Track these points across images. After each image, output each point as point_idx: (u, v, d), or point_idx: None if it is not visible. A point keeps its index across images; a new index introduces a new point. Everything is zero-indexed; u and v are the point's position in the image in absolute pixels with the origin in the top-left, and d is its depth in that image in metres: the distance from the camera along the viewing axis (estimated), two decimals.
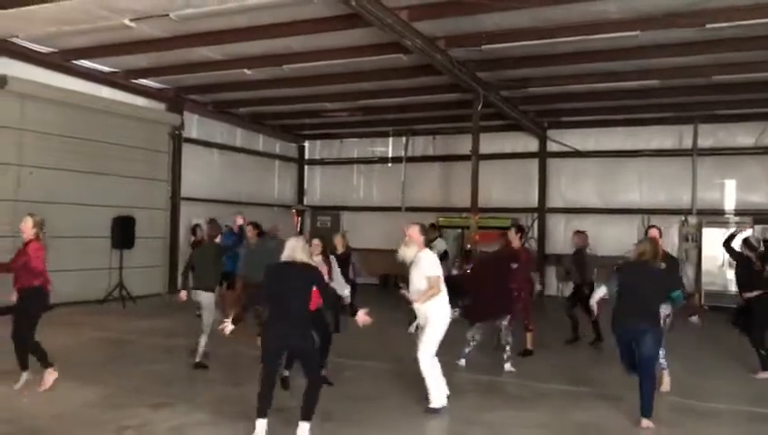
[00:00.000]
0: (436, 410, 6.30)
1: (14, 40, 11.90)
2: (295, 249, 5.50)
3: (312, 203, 20.95)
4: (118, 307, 13.23)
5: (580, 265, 10.39)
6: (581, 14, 9.61)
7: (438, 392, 6.35)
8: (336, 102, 16.08)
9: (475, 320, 8.33)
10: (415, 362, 6.41)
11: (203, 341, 7.87)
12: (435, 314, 6.41)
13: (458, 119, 16.58)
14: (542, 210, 17.47)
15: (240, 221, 8.94)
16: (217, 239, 8.50)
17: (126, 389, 6.95)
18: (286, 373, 6.91)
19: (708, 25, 9.52)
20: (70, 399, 6.52)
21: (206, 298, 7.92)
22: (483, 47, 11.11)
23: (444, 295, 6.50)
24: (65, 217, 12.92)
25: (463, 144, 16.89)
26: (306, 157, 21.26)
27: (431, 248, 6.97)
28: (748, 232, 7.68)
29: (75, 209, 13.23)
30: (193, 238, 13.18)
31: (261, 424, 5.27)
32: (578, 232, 10.93)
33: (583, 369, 8.55)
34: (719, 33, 10.01)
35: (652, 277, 6.22)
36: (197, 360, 7.90)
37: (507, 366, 8.27)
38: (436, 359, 6.40)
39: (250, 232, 9.54)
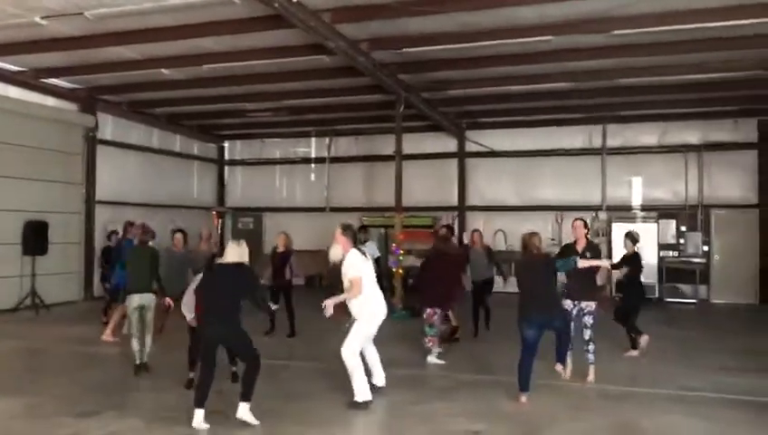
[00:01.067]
0: (359, 404, 6.44)
1: None
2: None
3: (233, 204, 20.67)
4: (31, 315, 12.68)
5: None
6: (499, 19, 9.98)
7: (362, 387, 6.47)
8: (257, 103, 15.95)
9: (426, 304, 8.71)
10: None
11: (149, 342, 7.94)
12: (358, 313, 6.61)
13: (381, 119, 16.80)
14: (461, 209, 17.94)
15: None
16: (150, 243, 8.31)
17: (51, 398, 6.74)
18: (234, 368, 7.14)
19: (616, 32, 10.12)
20: None
21: (148, 299, 7.94)
22: (404, 50, 11.39)
23: (369, 295, 6.63)
24: None
25: (385, 144, 17.22)
26: (226, 157, 20.94)
27: (360, 250, 7.07)
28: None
29: None
30: (107, 244, 12.85)
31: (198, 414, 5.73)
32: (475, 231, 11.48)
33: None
34: (625, 39, 10.64)
35: (541, 268, 6.91)
36: (144, 360, 7.89)
37: (431, 358, 8.62)
38: (359, 356, 6.58)
39: (177, 240, 9.33)
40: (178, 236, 9.31)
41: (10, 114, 13.19)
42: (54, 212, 13.97)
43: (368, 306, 6.62)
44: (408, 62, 12.18)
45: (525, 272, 7.10)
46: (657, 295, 15.60)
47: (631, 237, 9.50)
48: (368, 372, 6.78)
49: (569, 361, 7.50)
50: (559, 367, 7.16)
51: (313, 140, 19.83)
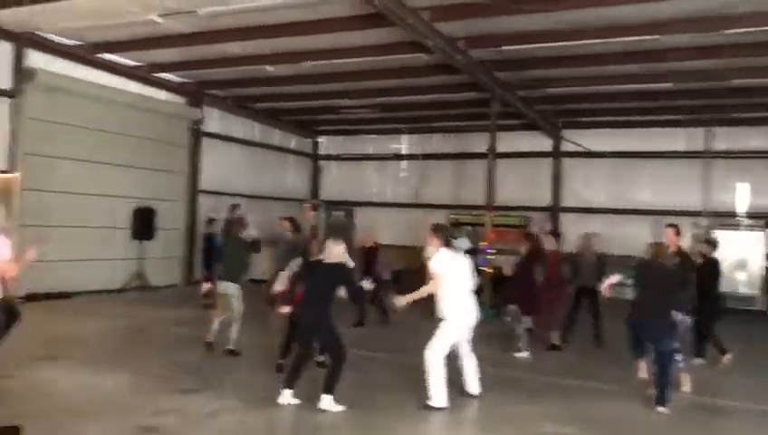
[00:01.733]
0: (433, 409, 6.32)
1: (43, 34, 12.17)
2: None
3: (326, 198, 21.17)
4: (136, 296, 13.49)
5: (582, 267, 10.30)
6: (602, 17, 9.76)
7: (438, 392, 6.33)
8: (353, 99, 16.27)
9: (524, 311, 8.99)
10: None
11: (235, 328, 8.25)
12: (445, 314, 6.55)
13: (473, 117, 16.74)
14: (555, 209, 17.63)
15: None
16: (246, 233, 8.68)
17: (154, 376, 7.18)
18: (321, 358, 7.23)
19: (727, 31, 9.69)
20: (100, 385, 6.74)
21: (234, 289, 8.27)
22: (502, 48, 11.33)
23: (456, 295, 6.57)
24: (87, 208, 13.26)
25: (476, 142, 17.15)
26: (321, 152, 21.48)
27: (452, 246, 7.14)
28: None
29: (97, 200, 13.51)
30: (209, 231, 13.40)
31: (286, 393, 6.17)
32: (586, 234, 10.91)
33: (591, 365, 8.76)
34: (737, 39, 10.16)
35: (662, 276, 6.78)
36: (230, 347, 8.24)
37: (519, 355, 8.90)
38: (443, 360, 6.42)
39: (283, 226, 9.33)
40: (285, 223, 9.28)
41: (125, 106, 14.05)
42: (161, 200, 14.80)
43: (455, 307, 6.54)
44: (506, 59, 12.08)
45: (647, 277, 6.93)
46: (762, 307, 14.80)
47: (710, 242, 9.31)
48: (452, 379, 6.60)
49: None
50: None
51: (405, 136, 20.01)
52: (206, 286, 8.88)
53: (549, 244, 10.17)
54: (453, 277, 6.63)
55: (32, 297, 11.33)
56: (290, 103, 17.35)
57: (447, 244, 6.96)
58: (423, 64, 12.60)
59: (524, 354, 8.99)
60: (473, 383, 6.91)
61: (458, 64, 11.57)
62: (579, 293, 10.23)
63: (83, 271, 13.16)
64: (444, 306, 6.57)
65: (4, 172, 11.80)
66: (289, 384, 6.20)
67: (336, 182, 21.29)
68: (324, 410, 6.01)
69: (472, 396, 6.85)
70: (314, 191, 21.30)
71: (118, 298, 13.28)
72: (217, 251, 10.10)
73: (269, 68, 13.46)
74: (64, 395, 6.32)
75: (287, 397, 6.17)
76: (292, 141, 20.38)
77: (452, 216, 17.35)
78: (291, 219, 9.35)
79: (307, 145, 21.14)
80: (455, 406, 6.43)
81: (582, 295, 10.16)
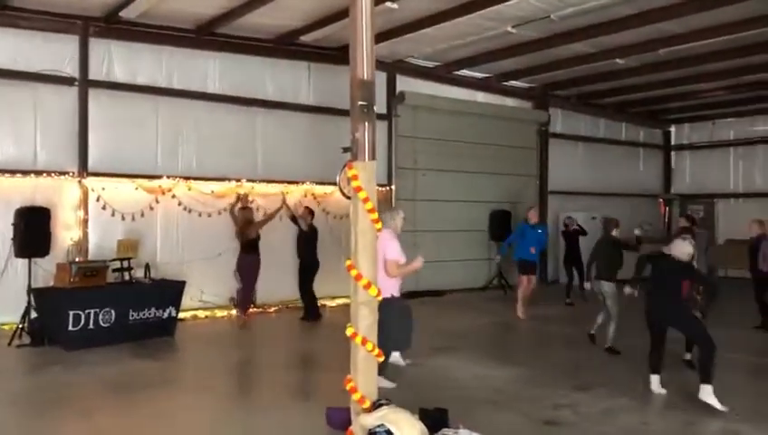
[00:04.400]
0: None
1: (408, 60, 13.65)
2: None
3: (680, 191, 19.69)
4: (498, 295, 14.19)
5: None
6: None
7: None
8: (711, 82, 14.88)
9: None
10: None
11: (612, 327, 8.31)
12: None
13: None
14: None
15: None
16: (613, 233, 8.71)
17: (547, 371, 7.52)
18: (687, 356, 7.45)
19: None
20: (494, 376, 7.28)
21: (608, 287, 8.34)
22: None
23: None
24: (450, 213, 14.44)
25: None
26: (672, 142, 20.06)
27: None
28: None
29: (459, 206, 14.63)
30: (563, 229, 13.63)
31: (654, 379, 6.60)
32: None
33: None
34: None
35: None
36: (609, 345, 8.34)
37: None
38: None
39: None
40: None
41: (478, 117, 14.98)
42: (515, 202, 15.40)
43: None
44: None
45: None
46: None
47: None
48: None
49: None
50: None
51: None
52: (588, 284, 8.99)
53: None
54: None
55: (412, 295, 12.75)
56: (638, 95, 16.55)
57: None
58: None
59: None
60: None
61: None
62: None
63: (450, 271, 14.37)
64: None
65: (383, 186, 13.50)
66: (653, 370, 6.62)
67: (691, 174, 19.66)
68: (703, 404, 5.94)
69: None
70: (667, 184, 19.97)
71: (482, 295, 14.18)
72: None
73: (620, 61, 13.07)
74: (464, 384, 6.97)
75: (656, 382, 6.58)
76: (641, 134, 19.39)
77: None
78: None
79: (657, 136, 19.90)
80: None
81: None
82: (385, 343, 6.33)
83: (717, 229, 17.81)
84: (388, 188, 13.58)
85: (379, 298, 4.98)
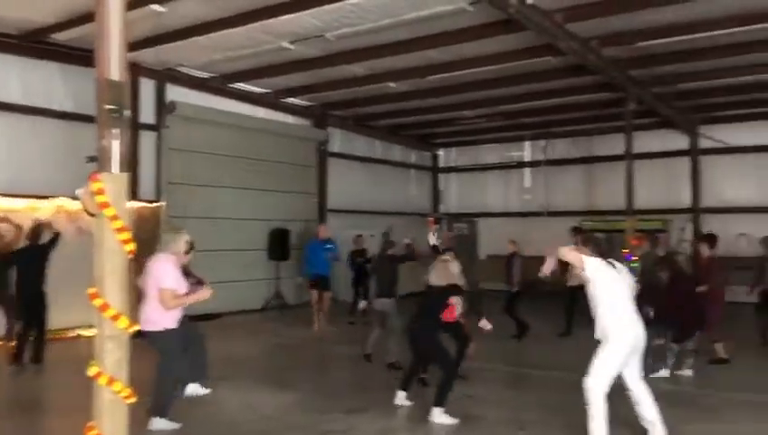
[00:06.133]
0: None
1: (180, 68, 12.86)
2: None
3: (447, 211, 21.00)
4: (276, 315, 13.84)
5: None
6: (746, 4, 9.08)
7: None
8: (473, 109, 16.07)
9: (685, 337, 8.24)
10: None
11: (393, 342, 8.38)
12: (603, 333, 5.34)
13: (600, 119, 16.10)
14: (696, 211, 16.53)
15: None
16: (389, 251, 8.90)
17: (318, 394, 7.31)
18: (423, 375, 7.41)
19: None
20: (267, 403, 6.90)
21: (388, 304, 8.46)
22: (637, 44, 10.78)
23: (627, 312, 5.42)
24: (227, 232, 13.79)
25: (604, 145, 16.50)
26: (441, 165, 21.38)
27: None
28: None
29: (236, 224, 14.04)
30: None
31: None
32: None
33: None
34: None
35: None
36: (392, 361, 8.34)
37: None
38: (604, 396, 5.18)
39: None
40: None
41: (256, 132, 14.61)
42: (294, 220, 15.19)
43: (614, 326, 5.31)
44: (639, 56, 11.48)
45: None
46: None
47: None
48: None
49: None
50: None
51: (528, 143, 19.49)
52: (363, 304, 9.08)
53: (703, 250, 9.49)
54: (612, 289, 5.46)
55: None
56: (409, 118, 17.37)
57: (602, 253, 6.21)
58: (550, 68, 12.23)
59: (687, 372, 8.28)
60: (656, 430, 5.50)
61: (592, 65, 11.13)
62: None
63: (227, 292, 13.62)
64: (603, 323, 5.36)
65: (151, 202, 12.49)
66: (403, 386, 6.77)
67: (457, 194, 21.09)
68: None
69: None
70: (435, 204, 21.19)
71: (260, 317, 13.70)
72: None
73: (392, 85, 13.54)
74: (234, 417, 6.48)
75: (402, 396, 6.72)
76: (413, 156, 20.42)
77: (583, 222, 16.66)
78: None
79: (426, 158, 21.11)
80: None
81: None
82: (167, 382, 5.70)
83: (479, 246, 19.18)
84: (156, 204, 12.59)
85: (138, 330, 4.37)
